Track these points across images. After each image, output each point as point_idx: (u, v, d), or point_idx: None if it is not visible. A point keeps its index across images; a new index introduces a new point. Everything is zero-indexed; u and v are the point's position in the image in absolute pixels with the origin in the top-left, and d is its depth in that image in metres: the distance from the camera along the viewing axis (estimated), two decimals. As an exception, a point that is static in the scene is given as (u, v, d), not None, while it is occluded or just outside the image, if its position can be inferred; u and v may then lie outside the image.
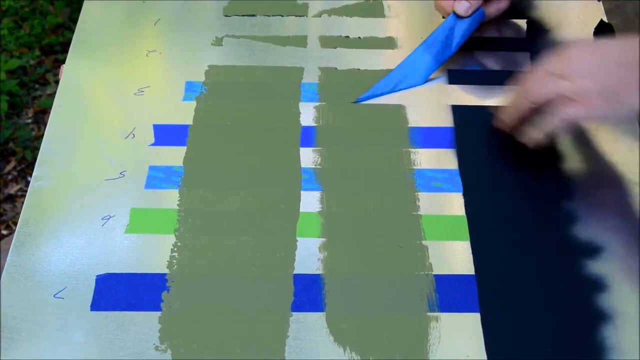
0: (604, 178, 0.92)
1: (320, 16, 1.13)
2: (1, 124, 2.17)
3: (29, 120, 2.22)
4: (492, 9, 1.04)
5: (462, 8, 1.01)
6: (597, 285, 0.82)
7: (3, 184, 2.07)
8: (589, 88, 0.81)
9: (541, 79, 0.85)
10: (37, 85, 2.32)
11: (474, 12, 1.01)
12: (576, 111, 0.82)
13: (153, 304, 0.81)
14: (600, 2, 1.13)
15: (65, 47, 2.35)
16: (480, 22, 1.04)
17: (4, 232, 1.94)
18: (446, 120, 0.99)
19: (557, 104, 0.83)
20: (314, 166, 0.94)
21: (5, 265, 0.84)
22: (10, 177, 2.09)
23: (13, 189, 2.06)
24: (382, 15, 1.13)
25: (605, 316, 0.79)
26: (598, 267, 0.84)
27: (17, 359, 0.77)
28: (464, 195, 0.91)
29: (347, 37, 1.10)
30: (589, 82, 0.81)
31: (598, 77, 0.81)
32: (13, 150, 2.15)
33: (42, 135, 0.98)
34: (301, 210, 0.89)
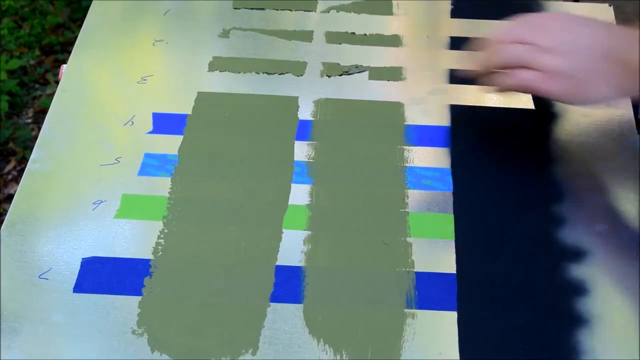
0: (593, 182, 0.91)
1: (328, 12, 1.13)
2: (1, 124, 2.19)
3: (29, 120, 2.24)
4: None
5: None
6: (577, 289, 0.81)
7: (3, 184, 2.09)
8: (558, 67, 0.82)
9: (518, 47, 0.85)
10: (37, 85, 2.34)
11: None
12: (540, 83, 0.83)
13: (134, 289, 0.82)
14: (611, 6, 1.12)
15: (65, 47, 2.37)
16: None
17: (4, 230, 1.96)
18: (444, 120, 0.99)
19: (525, 67, 0.84)
20: (307, 159, 0.94)
21: (-4, 245, 0.86)
22: (10, 177, 2.11)
23: (13, 188, 2.07)
24: (390, 13, 1.13)
25: (582, 320, 0.79)
26: (581, 271, 0.83)
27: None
28: (454, 194, 0.90)
29: (353, 33, 1.10)
30: (561, 61, 0.82)
31: (570, 60, 0.82)
32: (13, 150, 2.17)
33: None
34: (290, 202, 0.90)
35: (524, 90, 0.87)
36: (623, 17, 1.12)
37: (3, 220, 0.89)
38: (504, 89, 0.88)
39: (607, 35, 0.83)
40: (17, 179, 2.09)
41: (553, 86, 0.82)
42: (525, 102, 0.99)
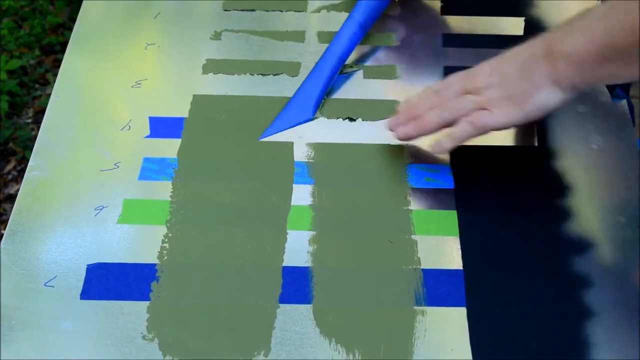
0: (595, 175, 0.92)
1: (319, 12, 1.13)
2: (1, 124, 2.18)
3: (29, 120, 2.23)
4: None
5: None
6: (584, 282, 0.82)
7: (3, 184, 2.08)
8: (495, 96, 0.85)
9: (455, 97, 0.88)
10: (37, 85, 2.32)
11: None
12: (490, 117, 0.86)
13: (142, 294, 0.82)
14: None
15: (65, 47, 2.33)
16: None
17: (4, 232, 1.95)
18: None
19: (471, 114, 0.87)
20: (307, 160, 0.94)
21: (-1, 253, 0.85)
22: (10, 177, 2.10)
23: (13, 188, 2.06)
24: (381, 12, 1.14)
25: (590, 313, 0.80)
26: (586, 264, 0.84)
27: (7, 348, 0.77)
28: (455, 191, 0.91)
29: (345, 32, 1.10)
30: (494, 91, 0.85)
31: (501, 85, 0.85)
32: (13, 150, 2.16)
33: (42, 132, 0.99)
34: (293, 203, 0.90)
35: (481, 130, 0.87)
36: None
37: (3, 220, 0.89)
38: (462, 139, 0.88)
39: (527, 45, 0.85)
40: (17, 179, 2.08)
41: (505, 113, 0.85)
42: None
